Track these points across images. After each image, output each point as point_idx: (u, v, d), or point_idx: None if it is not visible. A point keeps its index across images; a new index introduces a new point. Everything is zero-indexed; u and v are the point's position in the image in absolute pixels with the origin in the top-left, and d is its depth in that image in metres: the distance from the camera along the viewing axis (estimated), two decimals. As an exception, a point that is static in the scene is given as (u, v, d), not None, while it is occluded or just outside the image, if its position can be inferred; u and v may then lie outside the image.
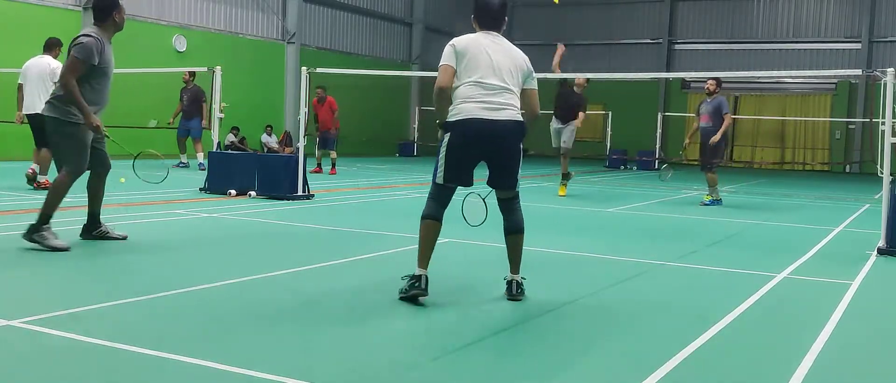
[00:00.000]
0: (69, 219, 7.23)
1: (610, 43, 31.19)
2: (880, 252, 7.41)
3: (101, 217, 6.81)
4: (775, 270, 6.41)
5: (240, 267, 5.82)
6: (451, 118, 4.89)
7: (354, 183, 14.74)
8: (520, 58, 5.08)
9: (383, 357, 3.82)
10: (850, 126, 27.45)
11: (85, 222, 6.79)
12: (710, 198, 12.31)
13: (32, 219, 6.25)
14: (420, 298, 4.78)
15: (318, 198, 11.11)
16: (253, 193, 10.91)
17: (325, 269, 6.04)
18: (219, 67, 12.69)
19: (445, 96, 4.92)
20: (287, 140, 23.15)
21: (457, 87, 4.90)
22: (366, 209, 10.60)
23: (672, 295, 5.54)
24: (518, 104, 5.01)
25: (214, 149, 12.21)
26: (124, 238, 6.80)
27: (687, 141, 13.10)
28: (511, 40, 5.15)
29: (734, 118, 27.78)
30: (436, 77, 4.95)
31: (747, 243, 8.40)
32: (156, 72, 17.55)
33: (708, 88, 12.32)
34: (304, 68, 11.31)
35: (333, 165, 16.88)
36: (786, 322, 4.89)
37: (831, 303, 5.23)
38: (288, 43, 24.59)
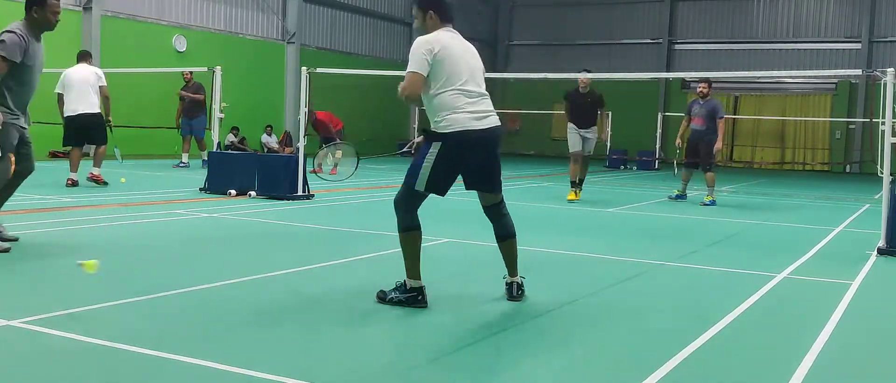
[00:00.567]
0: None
1: (610, 43, 31.14)
2: (880, 252, 7.41)
3: None
4: (775, 270, 6.41)
5: (240, 267, 5.82)
6: (443, 129, 4.72)
7: (354, 183, 14.71)
8: (478, 57, 5.01)
9: (383, 357, 3.82)
10: (851, 126, 27.44)
11: None
12: (711, 198, 12.32)
13: (33, 219, 6.23)
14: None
15: (317, 198, 11.11)
16: (253, 193, 10.91)
17: (325, 269, 6.04)
18: (219, 67, 12.69)
19: (413, 102, 4.82)
20: (287, 140, 23.13)
21: (439, 94, 4.73)
22: (366, 209, 10.60)
23: (672, 295, 5.54)
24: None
25: (214, 149, 12.22)
26: (15, 239, 6.41)
27: (678, 141, 13.10)
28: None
29: (734, 118, 27.97)
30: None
31: (747, 243, 8.40)
32: (156, 72, 17.55)
33: (701, 91, 12.34)
34: (304, 68, 11.30)
35: (335, 165, 16.83)
36: (786, 322, 4.89)
37: (831, 303, 5.23)
38: (288, 43, 24.58)
